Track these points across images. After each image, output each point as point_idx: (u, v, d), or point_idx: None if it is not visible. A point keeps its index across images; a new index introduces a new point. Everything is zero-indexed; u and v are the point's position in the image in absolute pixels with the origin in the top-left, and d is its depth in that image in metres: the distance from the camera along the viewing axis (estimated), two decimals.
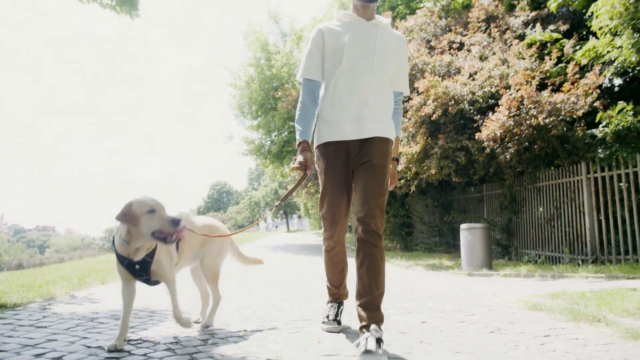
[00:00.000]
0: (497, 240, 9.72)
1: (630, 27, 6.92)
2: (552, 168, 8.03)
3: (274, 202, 53.82)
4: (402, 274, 6.96)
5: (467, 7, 12.60)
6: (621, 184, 7.00)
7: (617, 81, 8.68)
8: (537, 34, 8.99)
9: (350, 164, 2.51)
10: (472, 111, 8.69)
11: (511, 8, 10.57)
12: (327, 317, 2.75)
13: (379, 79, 2.49)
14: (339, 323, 2.71)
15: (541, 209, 8.51)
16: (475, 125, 8.43)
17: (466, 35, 10.35)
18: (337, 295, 2.84)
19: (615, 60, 7.30)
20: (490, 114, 8.03)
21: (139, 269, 2.27)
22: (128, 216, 2.15)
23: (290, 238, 25.77)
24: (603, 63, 7.71)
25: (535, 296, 4.05)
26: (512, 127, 7.32)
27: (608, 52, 7.34)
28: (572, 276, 5.92)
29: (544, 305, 3.50)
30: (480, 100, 8.59)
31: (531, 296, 4.07)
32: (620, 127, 7.18)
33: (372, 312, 2.25)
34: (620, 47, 7.14)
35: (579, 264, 7.16)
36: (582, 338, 2.55)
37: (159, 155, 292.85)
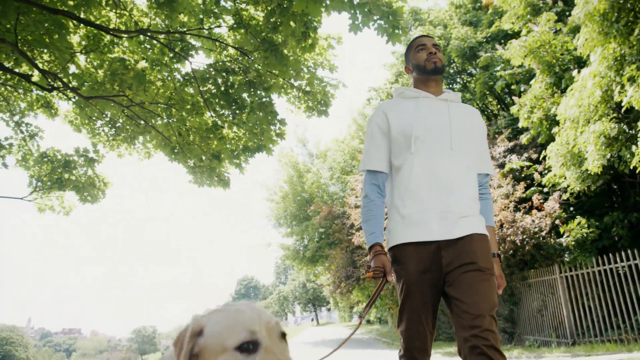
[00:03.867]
0: (503, 328, 11.72)
1: (572, 164, 9.54)
2: (532, 270, 10.32)
3: (306, 297, 55.06)
4: None
5: None
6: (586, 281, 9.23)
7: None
8: (513, 163, 11.70)
9: (441, 269, 2.02)
10: None
11: (494, 137, 13.42)
12: None
13: (462, 163, 2.13)
14: None
15: (533, 302, 10.65)
16: None
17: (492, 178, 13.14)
18: None
19: (568, 187, 9.85)
20: None
21: None
22: (177, 344, 1.11)
23: (323, 332, 27.34)
24: (561, 189, 10.25)
25: None
26: (497, 242, 9.76)
27: (562, 181, 9.91)
28: (548, 357, 8.01)
29: None
30: None
31: None
32: (578, 237, 9.55)
33: None
34: (571, 176, 9.72)
35: (560, 346, 9.19)
36: None
37: (186, 253, 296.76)
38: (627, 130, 7.68)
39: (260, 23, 6.07)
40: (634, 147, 7.09)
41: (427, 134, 2.13)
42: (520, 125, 11.61)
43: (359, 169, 2.32)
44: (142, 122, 7.94)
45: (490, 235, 2.19)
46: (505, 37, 15.42)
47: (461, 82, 20.05)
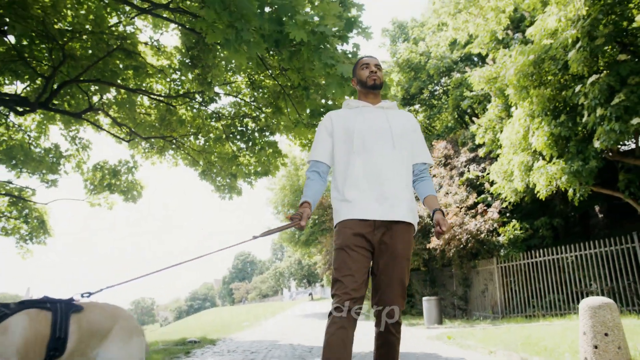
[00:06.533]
0: (458, 305, 14.55)
1: (508, 180, 12.18)
2: (477, 261, 13.09)
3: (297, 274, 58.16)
4: None
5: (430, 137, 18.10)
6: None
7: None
8: (470, 173, 14.34)
9: (372, 243, 2.39)
10: (430, 223, 13.90)
11: (458, 149, 16.02)
12: None
13: (397, 158, 2.49)
14: None
15: (480, 285, 13.44)
16: (431, 234, 13.63)
17: (431, 167, 15.79)
18: None
19: (505, 198, 12.52)
20: None
21: None
22: None
23: (315, 306, 30.33)
24: (501, 199, 12.92)
25: (435, 335, 9.00)
26: (449, 240, 12.49)
27: (503, 192, 12.57)
28: (476, 326, 10.78)
29: (432, 336, 8.49)
30: None
31: (437, 334, 9.01)
32: (512, 237, 12.27)
33: None
34: (507, 189, 12.37)
35: (490, 319, 12.00)
36: (431, 345, 7.56)
37: (185, 227, 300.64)
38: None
39: (269, 87, 8.62)
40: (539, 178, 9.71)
41: (366, 136, 2.49)
42: (476, 142, 14.21)
43: (306, 160, 2.91)
44: (175, 146, 10.51)
45: (432, 199, 2.60)
46: (477, 56, 17.84)
47: (442, 88, 22.43)
